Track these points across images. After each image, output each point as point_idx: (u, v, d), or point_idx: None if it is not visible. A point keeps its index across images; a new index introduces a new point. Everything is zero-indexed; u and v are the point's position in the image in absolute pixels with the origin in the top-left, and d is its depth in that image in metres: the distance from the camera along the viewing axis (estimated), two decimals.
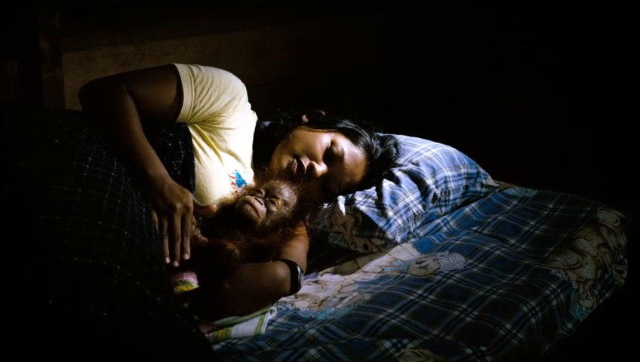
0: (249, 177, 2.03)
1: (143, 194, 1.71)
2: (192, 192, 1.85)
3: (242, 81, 2.14)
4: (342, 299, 1.79)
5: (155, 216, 1.68)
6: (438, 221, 2.18)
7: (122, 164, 1.70)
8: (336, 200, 2.06)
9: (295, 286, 1.78)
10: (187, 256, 1.68)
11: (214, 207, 1.79)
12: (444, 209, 2.19)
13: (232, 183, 1.97)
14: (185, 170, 1.88)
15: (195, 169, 1.90)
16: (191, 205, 1.73)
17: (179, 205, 1.70)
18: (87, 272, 1.36)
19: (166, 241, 1.67)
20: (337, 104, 2.80)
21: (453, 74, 3.16)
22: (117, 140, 1.77)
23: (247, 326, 1.65)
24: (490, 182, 2.34)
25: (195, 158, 1.91)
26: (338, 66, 3.22)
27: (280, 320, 1.71)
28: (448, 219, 2.20)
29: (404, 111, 3.29)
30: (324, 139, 2.07)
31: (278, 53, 2.98)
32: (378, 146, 2.16)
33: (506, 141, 2.99)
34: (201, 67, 1.96)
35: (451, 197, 2.19)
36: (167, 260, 1.66)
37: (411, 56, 3.29)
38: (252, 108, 2.17)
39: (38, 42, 2.11)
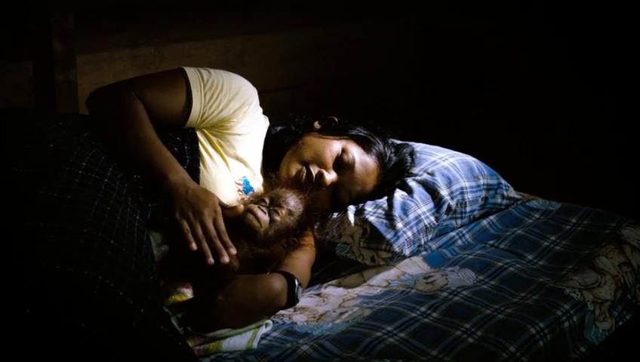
0: (258, 184, 1.98)
1: (165, 202, 1.69)
2: None
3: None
4: (341, 313, 1.72)
5: (185, 225, 1.65)
6: (453, 234, 2.09)
7: (120, 169, 1.67)
8: (346, 210, 2.00)
9: (292, 300, 1.72)
10: (234, 251, 1.66)
11: (241, 207, 1.76)
12: (459, 221, 2.11)
13: (239, 190, 1.93)
14: (189, 175, 1.84)
15: (200, 175, 1.86)
16: (218, 208, 1.70)
17: (207, 210, 1.68)
18: (67, 281, 1.34)
19: (204, 243, 1.64)
20: (365, 108, 2.75)
21: (483, 78, 3.07)
22: (131, 148, 1.75)
23: (239, 340, 1.60)
24: (512, 193, 2.24)
25: (201, 164, 1.87)
26: (366, 70, 3.14)
27: (274, 334, 1.65)
28: (464, 231, 2.11)
29: (433, 115, 3.21)
30: (335, 146, 2.00)
31: (305, 56, 2.93)
32: (392, 155, 2.08)
33: (533, 150, 2.89)
34: (211, 71, 1.92)
35: (468, 209, 2.11)
36: (212, 260, 1.63)
37: (441, 60, 3.21)
38: (275, 113, 2.12)
39: (51, 44, 2.10)
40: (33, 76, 2.20)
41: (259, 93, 2.02)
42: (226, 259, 1.64)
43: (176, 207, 1.68)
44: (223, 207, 1.73)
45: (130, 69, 2.42)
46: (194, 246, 1.63)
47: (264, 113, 2.09)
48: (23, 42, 2.17)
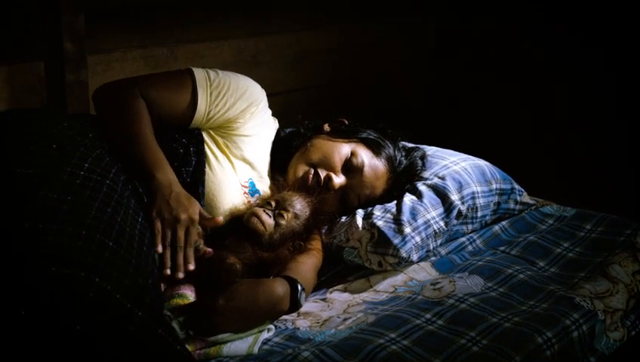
0: (265, 187, 1.96)
1: (148, 200, 1.67)
2: (200, 201, 1.80)
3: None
4: (345, 319, 1.70)
5: (158, 225, 1.63)
6: (464, 239, 2.06)
7: (124, 170, 1.66)
8: (355, 214, 1.97)
9: (295, 305, 1.70)
10: (191, 267, 1.62)
11: (220, 219, 1.73)
12: (470, 226, 2.07)
13: (245, 193, 1.91)
14: (195, 177, 1.83)
15: (206, 177, 1.85)
16: (196, 217, 1.66)
17: (184, 216, 1.64)
18: (63, 284, 1.33)
19: (168, 252, 1.61)
20: (378, 110, 2.71)
21: (497, 81, 3.03)
22: (125, 143, 1.74)
23: (240, 345, 1.58)
24: (526, 199, 2.20)
25: (207, 166, 1.86)
26: (380, 71, 3.11)
27: (276, 339, 1.63)
28: (475, 237, 2.07)
29: (446, 118, 3.18)
30: (344, 149, 1.98)
31: (319, 57, 2.91)
32: (402, 158, 2.05)
33: (549, 154, 2.84)
34: (219, 71, 1.91)
35: (479, 214, 2.07)
36: (168, 271, 1.60)
37: (455, 62, 3.17)
38: (288, 113, 2.10)
39: (62, 44, 2.10)
40: (44, 76, 2.20)
41: (273, 94, 2.01)
42: (180, 275, 1.60)
43: (154, 206, 1.65)
44: (202, 217, 1.69)
45: (143, 69, 2.41)
46: (159, 249, 1.60)
47: (278, 114, 2.08)
48: (34, 42, 2.17)
